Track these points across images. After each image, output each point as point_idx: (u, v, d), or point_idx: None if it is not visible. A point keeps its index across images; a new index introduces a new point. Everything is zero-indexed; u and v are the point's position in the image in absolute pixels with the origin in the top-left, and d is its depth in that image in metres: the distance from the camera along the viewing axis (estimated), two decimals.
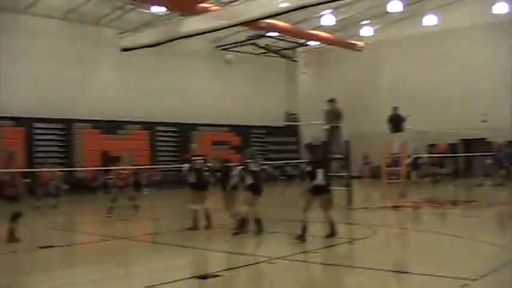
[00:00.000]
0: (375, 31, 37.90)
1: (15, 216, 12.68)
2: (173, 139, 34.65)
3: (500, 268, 8.85)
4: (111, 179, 28.75)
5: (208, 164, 14.38)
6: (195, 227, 13.84)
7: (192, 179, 14.19)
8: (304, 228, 11.67)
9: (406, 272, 9.32)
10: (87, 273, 9.49)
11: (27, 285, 9.17)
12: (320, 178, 11.88)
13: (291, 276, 9.10)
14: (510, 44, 33.63)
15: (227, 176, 13.66)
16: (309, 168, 12.19)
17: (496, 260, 9.58)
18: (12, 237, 12.56)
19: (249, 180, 12.90)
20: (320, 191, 12.03)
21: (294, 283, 8.72)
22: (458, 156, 34.47)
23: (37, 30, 29.37)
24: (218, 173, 14.03)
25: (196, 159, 14.34)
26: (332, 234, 12.03)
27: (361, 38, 38.56)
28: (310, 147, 12.55)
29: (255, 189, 12.87)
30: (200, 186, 14.17)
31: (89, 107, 30.10)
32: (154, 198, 26.74)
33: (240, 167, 13.29)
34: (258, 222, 12.89)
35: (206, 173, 14.29)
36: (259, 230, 12.79)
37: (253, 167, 13.12)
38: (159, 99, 33.32)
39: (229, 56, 22.16)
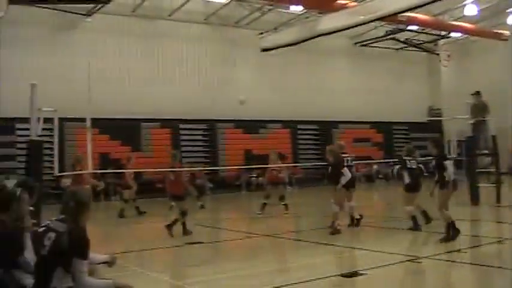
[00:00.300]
0: None
1: (183, 214, 13.62)
2: (314, 137, 34.70)
3: None
4: (254, 177, 29.60)
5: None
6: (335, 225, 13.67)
7: (406, 179, 13.51)
8: (449, 227, 11.22)
9: None
10: (233, 268, 9.71)
11: (182, 278, 9.52)
12: (451, 172, 11.27)
13: (437, 277, 8.89)
14: None
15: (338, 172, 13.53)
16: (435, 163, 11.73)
17: None
18: (185, 231, 13.62)
19: (407, 179, 13.04)
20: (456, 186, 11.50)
21: (440, 284, 8.50)
22: None
23: (180, 35, 30.49)
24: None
25: (345, 157, 14.27)
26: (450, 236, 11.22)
27: (507, 27, 36.80)
28: (435, 141, 12.02)
29: (413, 188, 13.06)
30: (350, 183, 14.00)
31: (231, 107, 30.74)
32: (297, 195, 26.93)
33: (397, 165, 14.19)
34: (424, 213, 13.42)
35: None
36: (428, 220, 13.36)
37: (410, 164, 13.38)
38: (300, 97, 33.47)
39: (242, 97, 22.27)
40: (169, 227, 13.44)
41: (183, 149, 29.78)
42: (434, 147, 11.82)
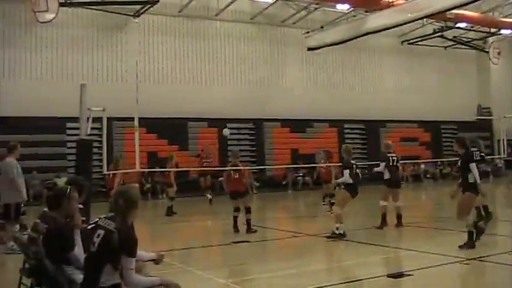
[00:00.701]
0: None
1: (248, 210, 14.10)
2: (361, 136, 34.50)
3: None
4: (301, 176, 29.61)
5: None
6: (382, 226, 13.87)
7: (387, 175, 14.18)
8: (471, 234, 10.62)
9: None
10: (279, 268, 9.72)
11: (228, 276, 9.60)
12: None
13: (485, 279, 8.78)
14: None
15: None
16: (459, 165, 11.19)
17: None
18: (249, 228, 14.03)
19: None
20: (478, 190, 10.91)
21: (488, 287, 8.38)
22: None
23: (227, 35, 30.68)
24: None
25: (392, 156, 14.28)
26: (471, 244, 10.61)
27: None
28: (460, 141, 11.39)
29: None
30: (395, 183, 14.11)
31: (278, 106, 30.79)
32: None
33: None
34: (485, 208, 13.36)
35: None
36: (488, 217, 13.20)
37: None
38: (347, 96, 33.34)
39: (226, 130, 21.94)
40: (235, 225, 14.13)
41: (230, 148, 29.97)
42: (461, 147, 11.20)
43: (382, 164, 14.29)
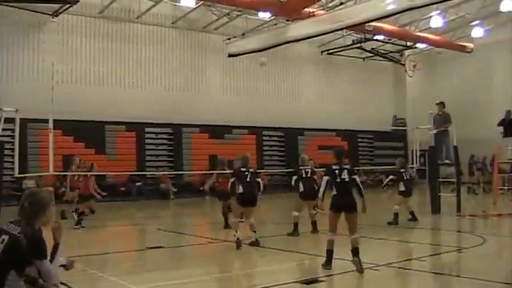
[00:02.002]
0: (486, 32, 36.65)
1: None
2: (280, 144, 34.80)
3: None
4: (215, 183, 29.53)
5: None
6: (294, 233, 14.11)
7: (301, 188, 14.41)
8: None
9: None
10: (192, 274, 9.66)
11: (140, 282, 9.46)
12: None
13: (396, 284, 8.96)
14: None
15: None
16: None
17: None
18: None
19: (402, 187, 16.43)
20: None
21: None
22: None
23: (147, 38, 30.38)
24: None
25: (305, 169, 14.54)
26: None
27: (471, 39, 37.41)
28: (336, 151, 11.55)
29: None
30: (309, 196, 14.20)
31: (198, 111, 30.71)
32: (260, 202, 26.91)
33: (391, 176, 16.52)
34: (412, 213, 16.21)
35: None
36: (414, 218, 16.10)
37: (406, 175, 16.69)
38: (266, 104, 33.61)
39: (263, 59, 22.28)
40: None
41: (148, 152, 29.71)
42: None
43: (294, 178, 14.72)
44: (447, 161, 19.41)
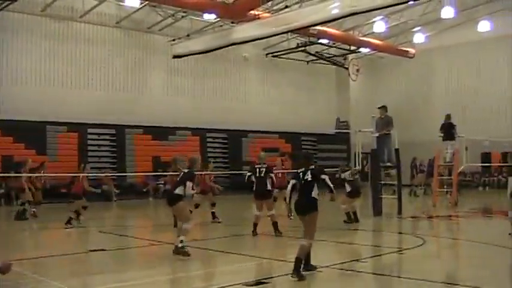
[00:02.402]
0: (427, 38, 37.45)
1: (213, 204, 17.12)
2: (223, 145, 34.78)
3: None
4: (161, 184, 29.35)
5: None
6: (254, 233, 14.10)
7: (255, 186, 14.40)
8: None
9: (456, 284, 9.16)
10: (133, 277, 9.57)
11: (82, 286, 9.32)
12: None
13: (338, 285, 9.05)
14: None
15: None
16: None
17: None
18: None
19: (348, 188, 16.71)
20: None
21: None
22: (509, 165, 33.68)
23: (91, 38, 29.97)
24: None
25: (259, 168, 14.43)
26: None
27: (413, 45, 38.16)
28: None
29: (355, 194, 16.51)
30: (261, 194, 14.30)
31: (141, 113, 30.46)
32: (204, 204, 26.83)
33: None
34: (354, 214, 16.63)
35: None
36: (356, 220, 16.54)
37: (348, 177, 16.93)
38: (210, 105, 33.55)
39: (246, 54, 22.41)
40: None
41: (90, 153, 29.27)
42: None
43: (247, 175, 14.70)
44: (389, 164, 19.73)
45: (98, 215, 21.18)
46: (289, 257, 9.49)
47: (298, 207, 9.44)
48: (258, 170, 14.37)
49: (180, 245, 11.08)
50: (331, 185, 9.68)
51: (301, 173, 9.48)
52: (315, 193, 9.37)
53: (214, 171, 20.62)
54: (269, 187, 14.21)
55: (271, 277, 9.32)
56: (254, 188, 14.38)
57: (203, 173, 18.06)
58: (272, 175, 14.45)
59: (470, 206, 22.87)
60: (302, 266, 8.97)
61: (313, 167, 9.67)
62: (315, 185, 9.40)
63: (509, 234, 13.32)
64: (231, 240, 14.25)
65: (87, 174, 17.91)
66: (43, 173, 21.12)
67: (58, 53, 28.89)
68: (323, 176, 9.57)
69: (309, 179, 9.39)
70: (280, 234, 13.93)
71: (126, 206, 26.57)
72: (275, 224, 14.09)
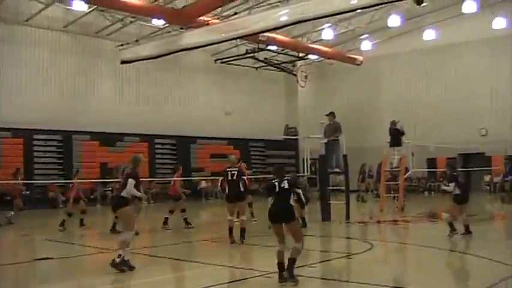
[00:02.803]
0: (374, 45, 38.02)
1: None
2: (172, 152, 34.59)
3: (495, 285, 8.81)
4: (109, 190, 29.02)
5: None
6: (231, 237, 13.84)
7: (226, 190, 14.31)
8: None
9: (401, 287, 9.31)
10: (83, 285, 9.45)
11: None
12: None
13: None
14: (509, 59, 33.93)
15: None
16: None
17: (492, 275, 9.54)
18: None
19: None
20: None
21: None
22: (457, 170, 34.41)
23: (37, 42, 29.48)
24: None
25: (231, 171, 14.22)
26: None
27: (360, 52, 38.68)
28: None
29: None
30: (234, 197, 14.15)
31: (89, 118, 30.08)
32: (153, 210, 26.66)
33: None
34: (303, 219, 16.31)
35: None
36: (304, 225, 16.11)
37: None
38: (159, 111, 33.37)
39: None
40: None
41: (36, 160, 28.77)
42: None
43: (220, 179, 14.69)
44: (337, 170, 19.92)
45: (45, 222, 20.83)
46: (234, 263, 9.49)
47: (276, 215, 9.35)
48: (229, 173, 14.14)
49: (117, 260, 10.35)
50: (304, 199, 9.94)
51: (276, 182, 9.41)
52: (291, 201, 9.38)
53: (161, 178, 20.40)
54: (242, 189, 14.08)
55: (219, 284, 9.28)
56: (227, 191, 14.24)
57: (173, 178, 18.08)
58: (244, 178, 14.42)
59: (416, 210, 23.21)
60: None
61: (288, 176, 9.71)
62: (291, 193, 9.41)
63: (447, 235, 13.76)
64: (183, 247, 14.15)
65: (78, 181, 18.89)
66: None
67: (4, 56, 28.27)
68: (298, 190, 9.70)
69: (286, 187, 9.38)
70: (243, 242, 13.68)
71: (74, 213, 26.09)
72: (243, 231, 13.88)
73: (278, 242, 9.26)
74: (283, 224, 9.27)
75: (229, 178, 14.13)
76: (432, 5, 32.85)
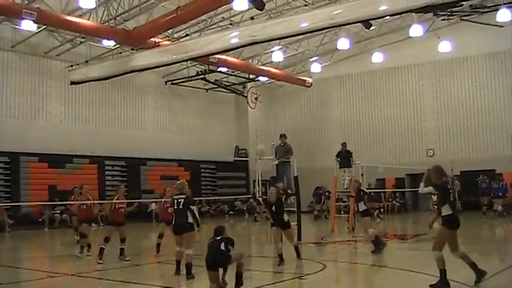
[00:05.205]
0: (324, 67, 38.51)
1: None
2: (122, 173, 34.26)
3: None
4: (58, 213, 28.56)
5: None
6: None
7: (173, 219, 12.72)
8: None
9: None
10: None
11: None
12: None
13: None
14: (453, 80, 35.07)
15: None
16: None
17: None
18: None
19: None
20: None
21: None
22: (404, 190, 35.07)
23: None
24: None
25: (178, 199, 12.44)
26: None
27: (310, 74, 39.14)
28: None
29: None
30: (179, 228, 12.47)
31: (37, 140, 29.59)
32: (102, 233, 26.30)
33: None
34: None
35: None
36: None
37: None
38: (109, 133, 33.04)
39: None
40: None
41: None
42: None
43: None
44: (288, 191, 20.03)
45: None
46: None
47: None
48: (175, 201, 12.47)
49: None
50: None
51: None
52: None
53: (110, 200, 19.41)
54: (190, 220, 12.15)
55: None
56: (173, 221, 12.70)
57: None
58: (193, 207, 12.31)
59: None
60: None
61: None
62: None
63: (371, 252, 14.29)
64: (127, 269, 13.99)
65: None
66: None
67: None
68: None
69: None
70: (188, 278, 11.91)
71: (21, 236, 25.61)
72: (188, 267, 11.97)
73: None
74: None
75: (175, 207, 12.47)
76: (380, 28, 33.52)
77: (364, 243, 17.43)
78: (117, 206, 15.73)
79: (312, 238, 20.44)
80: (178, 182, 13.07)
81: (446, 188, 10.49)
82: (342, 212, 25.21)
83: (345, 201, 26.47)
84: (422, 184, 10.70)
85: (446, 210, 10.04)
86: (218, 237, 10.13)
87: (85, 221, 16.91)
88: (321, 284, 11.38)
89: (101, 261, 14.45)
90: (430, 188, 10.25)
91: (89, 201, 17.37)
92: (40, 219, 28.69)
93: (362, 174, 24.34)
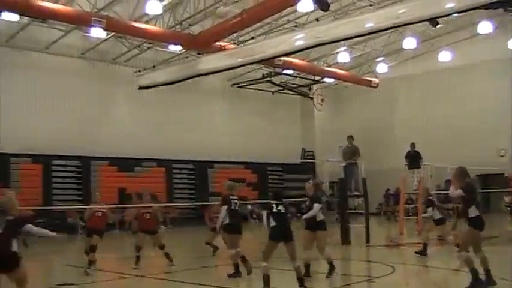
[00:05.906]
0: (390, 67, 38.02)
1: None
2: (189, 176, 34.63)
3: None
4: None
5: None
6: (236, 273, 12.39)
7: (227, 220, 12.52)
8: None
9: None
10: None
11: None
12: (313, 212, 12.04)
13: None
14: None
15: None
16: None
17: None
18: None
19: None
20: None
21: None
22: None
23: (56, 69, 29.68)
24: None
25: (234, 199, 12.65)
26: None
27: (376, 75, 38.69)
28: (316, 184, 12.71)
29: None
30: (236, 229, 12.59)
31: (107, 144, 30.23)
32: (171, 235, 26.63)
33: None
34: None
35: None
36: None
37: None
38: (176, 136, 33.42)
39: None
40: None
41: (55, 185, 28.92)
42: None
43: (223, 209, 12.50)
44: (356, 193, 19.88)
45: (64, 248, 20.86)
46: None
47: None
48: (232, 202, 12.54)
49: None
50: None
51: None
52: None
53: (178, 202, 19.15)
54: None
55: None
56: (228, 221, 12.48)
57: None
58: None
59: (436, 233, 22.97)
60: None
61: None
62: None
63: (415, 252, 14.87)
64: (197, 271, 14.08)
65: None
66: None
67: (24, 84, 28.53)
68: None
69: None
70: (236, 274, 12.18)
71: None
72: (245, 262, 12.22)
73: None
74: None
75: (233, 208, 12.48)
76: (447, 26, 32.81)
77: (433, 246, 17.13)
78: (141, 212, 15.36)
79: (381, 240, 20.18)
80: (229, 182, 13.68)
81: (472, 189, 10.24)
82: (411, 214, 24.77)
83: (414, 203, 26.01)
84: (452, 187, 10.45)
85: (473, 212, 9.93)
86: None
87: (95, 232, 15.17)
88: (389, 287, 11.20)
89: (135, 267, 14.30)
90: (459, 191, 10.01)
91: (103, 208, 15.96)
92: (110, 222, 29.20)
93: (431, 176, 23.91)
